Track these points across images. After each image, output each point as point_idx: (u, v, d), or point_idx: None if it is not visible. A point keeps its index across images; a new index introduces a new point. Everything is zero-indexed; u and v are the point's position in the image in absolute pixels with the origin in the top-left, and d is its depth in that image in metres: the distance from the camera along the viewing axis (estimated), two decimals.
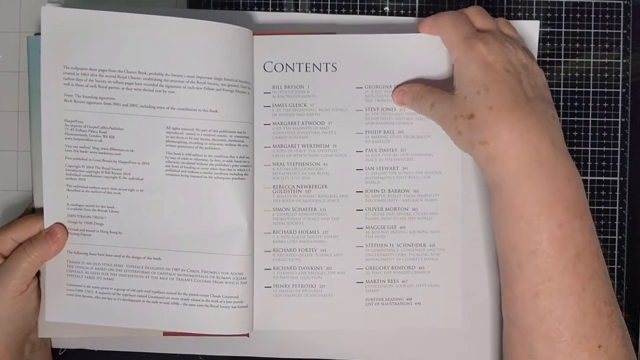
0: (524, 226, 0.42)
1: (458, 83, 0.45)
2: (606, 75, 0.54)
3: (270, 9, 0.54)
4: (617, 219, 0.54)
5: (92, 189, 0.48)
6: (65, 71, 0.47)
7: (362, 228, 0.50)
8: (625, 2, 0.54)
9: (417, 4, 0.54)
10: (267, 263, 0.50)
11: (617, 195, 0.54)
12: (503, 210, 0.43)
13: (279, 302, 0.50)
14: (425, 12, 0.54)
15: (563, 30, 0.54)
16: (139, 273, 0.48)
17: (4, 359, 0.47)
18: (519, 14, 0.54)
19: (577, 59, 0.54)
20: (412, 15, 0.54)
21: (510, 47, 0.44)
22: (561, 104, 0.54)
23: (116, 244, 0.48)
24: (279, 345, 0.51)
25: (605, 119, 0.54)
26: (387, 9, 0.54)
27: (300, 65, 0.49)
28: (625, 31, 0.54)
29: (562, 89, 0.54)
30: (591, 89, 0.54)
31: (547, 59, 0.54)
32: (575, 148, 0.54)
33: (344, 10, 0.54)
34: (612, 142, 0.54)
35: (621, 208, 0.54)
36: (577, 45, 0.54)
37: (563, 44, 0.54)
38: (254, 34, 0.49)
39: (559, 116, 0.53)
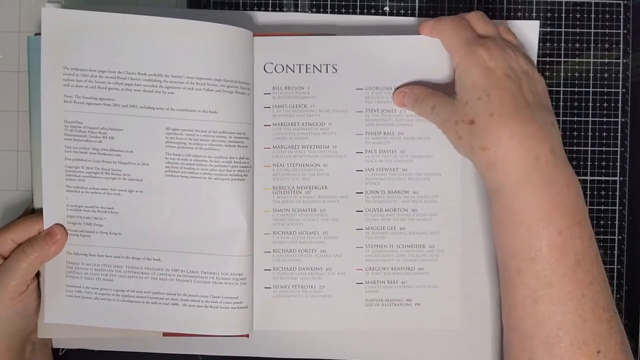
0: (524, 232, 0.42)
1: (459, 88, 0.45)
2: (606, 75, 0.54)
3: (270, 9, 0.54)
4: (617, 219, 0.54)
5: (91, 189, 0.48)
6: (65, 72, 0.47)
7: (362, 229, 0.50)
8: (625, 2, 0.54)
9: (417, 4, 0.54)
10: (267, 264, 0.50)
11: (617, 195, 0.54)
12: (503, 216, 0.43)
13: (278, 302, 0.50)
14: (425, 12, 0.54)
15: (563, 30, 0.54)
16: (138, 274, 0.48)
17: None
18: (519, 14, 0.54)
19: (577, 59, 0.54)
20: (412, 15, 0.54)
21: (511, 53, 0.44)
22: (561, 104, 0.54)
23: (116, 245, 0.48)
24: (278, 345, 0.51)
25: (605, 119, 0.54)
26: (387, 9, 0.54)
27: (301, 66, 0.49)
28: (625, 31, 0.54)
29: (562, 89, 0.54)
30: (591, 89, 0.54)
31: (547, 59, 0.54)
32: (575, 148, 0.54)
33: (343, 10, 0.54)
34: (612, 142, 0.54)
35: (621, 208, 0.54)
36: (577, 45, 0.54)
37: (563, 44, 0.54)
38: (254, 35, 0.49)
39: (559, 116, 0.53)
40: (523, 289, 0.42)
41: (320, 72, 0.49)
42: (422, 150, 0.49)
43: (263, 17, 0.53)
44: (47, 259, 0.47)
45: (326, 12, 0.54)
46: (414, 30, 0.49)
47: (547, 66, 0.54)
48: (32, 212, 0.50)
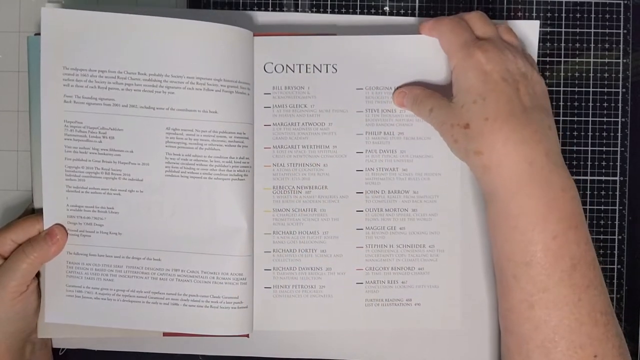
0: (519, 237, 0.42)
1: (456, 91, 0.45)
2: (606, 75, 0.54)
3: (270, 8, 0.54)
4: (617, 219, 0.54)
5: (91, 189, 0.48)
6: (65, 72, 0.47)
7: (362, 229, 0.50)
8: (625, 2, 0.54)
9: (417, 4, 0.54)
10: (267, 264, 0.50)
11: (617, 195, 0.54)
12: (498, 220, 0.43)
13: (279, 302, 0.50)
14: (425, 12, 0.54)
15: (563, 30, 0.54)
16: (138, 274, 0.48)
17: None
18: (519, 14, 0.54)
19: (577, 59, 0.54)
20: (412, 15, 0.54)
21: (510, 55, 0.44)
22: (561, 104, 0.54)
23: (116, 245, 0.48)
24: (278, 345, 0.51)
25: (605, 119, 0.54)
26: (387, 9, 0.54)
27: (301, 66, 0.49)
28: (625, 31, 0.54)
29: (562, 89, 0.54)
30: (591, 89, 0.54)
31: (547, 59, 0.54)
32: (575, 148, 0.54)
33: (344, 10, 0.54)
34: (612, 142, 0.54)
35: (621, 208, 0.54)
36: (577, 45, 0.54)
37: (563, 44, 0.54)
38: (254, 35, 0.49)
39: (559, 116, 0.53)
40: (519, 293, 0.42)
41: (320, 72, 0.49)
42: (422, 150, 0.49)
43: (263, 17, 0.53)
44: (47, 259, 0.47)
45: (326, 12, 0.54)
46: (414, 30, 0.49)
47: (547, 66, 0.54)
48: (32, 212, 0.50)
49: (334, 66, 0.49)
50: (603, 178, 0.54)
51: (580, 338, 0.40)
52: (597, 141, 0.54)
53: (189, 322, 0.48)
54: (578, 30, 0.54)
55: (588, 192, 0.54)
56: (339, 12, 0.54)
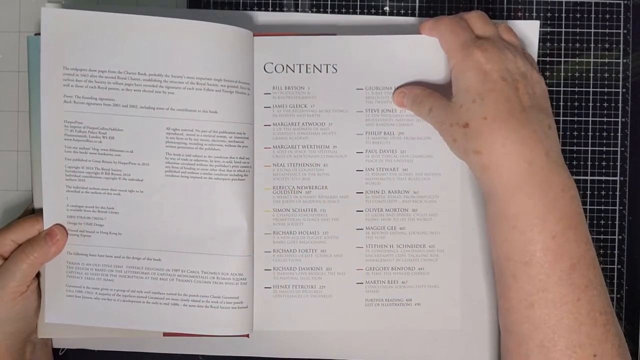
0: (518, 237, 0.42)
1: (455, 90, 0.45)
2: (606, 75, 0.54)
3: (270, 9, 0.54)
4: (617, 219, 0.54)
5: (91, 190, 0.48)
6: (65, 72, 0.47)
7: (362, 229, 0.50)
8: (625, 2, 0.54)
9: (417, 4, 0.54)
10: (267, 264, 0.50)
11: (617, 195, 0.54)
12: (497, 220, 0.43)
13: (279, 302, 0.50)
14: (425, 12, 0.54)
15: (563, 30, 0.54)
16: (138, 274, 0.48)
17: None
18: (519, 14, 0.54)
19: (577, 59, 0.54)
20: (412, 15, 0.54)
21: (509, 54, 0.44)
22: (561, 104, 0.54)
23: (116, 245, 0.48)
24: (279, 345, 0.51)
25: (605, 119, 0.54)
26: (387, 9, 0.54)
27: (301, 66, 0.49)
28: (625, 31, 0.54)
29: (562, 89, 0.54)
30: (591, 89, 0.54)
31: (547, 59, 0.54)
32: (575, 148, 0.54)
33: (344, 10, 0.54)
34: (612, 142, 0.54)
35: (621, 208, 0.54)
36: (577, 45, 0.54)
37: (563, 44, 0.54)
38: (254, 35, 0.49)
39: (559, 116, 0.53)
40: (518, 292, 0.42)
41: (320, 72, 0.49)
42: (422, 150, 0.49)
43: (263, 17, 0.53)
44: (47, 260, 0.47)
45: (326, 12, 0.54)
46: (414, 30, 0.49)
47: (547, 66, 0.54)
48: (32, 212, 0.50)
49: (334, 66, 0.49)
50: (603, 178, 0.54)
51: (580, 337, 0.40)
52: (597, 141, 0.54)
53: (189, 322, 0.48)
54: (578, 30, 0.54)
55: (588, 192, 0.54)
56: (339, 12, 0.54)
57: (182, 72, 0.47)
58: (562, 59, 0.54)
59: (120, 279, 0.48)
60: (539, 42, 0.52)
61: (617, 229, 0.54)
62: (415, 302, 0.50)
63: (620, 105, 0.54)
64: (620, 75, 0.54)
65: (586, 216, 0.53)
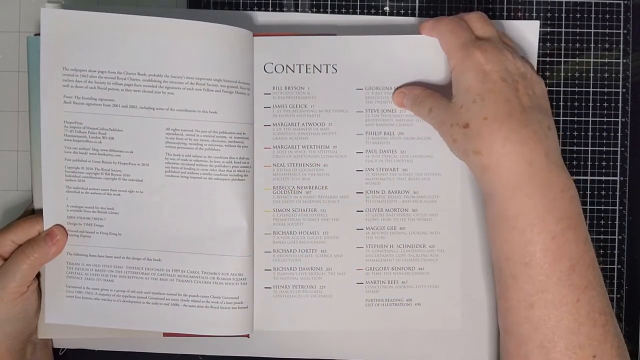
0: (517, 237, 0.42)
1: (455, 91, 0.45)
2: (606, 75, 0.54)
3: (270, 9, 0.54)
4: (617, 219, 0.54)
5: (91, 190, 0.48)
6: (65, 72, 0.47)
7: (362, 229, 0.50)
8: (625, 2, 0.54)
9: (417, 4, 0.54)
10: (267, 264, 0.50)
11: (617, 195, 0.54)
12: (497, 220, 0.43)
13: (279, 302, 0.50)
14: (425, 12, 0.54)
15: (563, 30, 0.54)
16: (139, 274, 0.48)
17: None
18: (519, 14, 0.54)
19: (577, 59, 0.54)
20: (412, 15, 0.54)
21: (509, 55, 0.44)
22: (561, 104, 0.54)
23: (116, 246, 0.48)
24: (279, 345, 0.51)
25: (605, 119, 0.54)
26: (387, 9, 0.54)
27: (301, 66, 0.49)
28: (625, 31, 0.54)
29: (562, 89, 0.54)
30: (591, 89, 0.54)
31: (547, 59, 0.54)
32: (575, 148, 0.54)
33: (344, 10, 0.54)
34: (612, 142, 0.54)
35: (621, 208, 0.54)
36: (577, 45, 0.54)
37: (563, 44, 0.54)
38: (254, 35, 0.49)
39: (559, 116, 0.53)
40: (518, 293, 0.42)
41: (320, 72, 0.49)
42: (422, 150, 0.49)
43: (263, 17, 0.53)
44: (47, 260, 0.47)
45: (326, 12, 0.54)
46: (414, 30, 0.49)
47: (547, 66, 0.54)
48: (32, 212, 0.50)
49: (334, 66, 0.49)
50: (603, 178, 0.54)
51: (579, 338, 0.40)
52: (597, 141, 0.54)
53: (189, 323, 0.48)
54: (578, 30, 0.54)
55: (588, 192, 0.54)
56: (339, 12, 0.54)
57: (182, 73, 0.47)
58: (562, 59, 0.54)
59: (120, 279, 0.48)
60: (539, 42, 0.52)
61: (617, 229, 0.54)
62: (415, 302, 0.50)
63: (620, 105, 0.54)
64: (620, 75, 0.54)
65: (586, 216, 0.53)
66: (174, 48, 0.47)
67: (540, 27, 0.52)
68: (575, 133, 0.54)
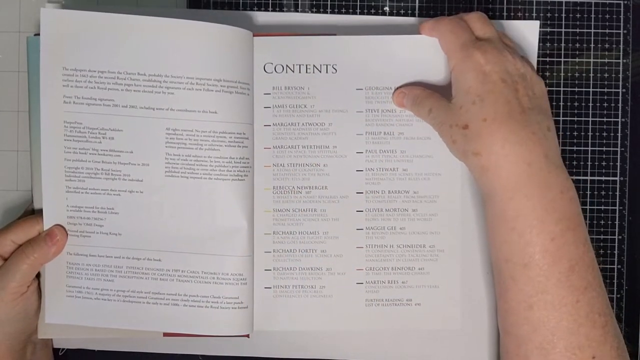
0: (516, 239, 0.42)
1: (455, 91, 0.45)
2: (606, 75, 0.54)
3: (270, 9, 0.54)
4: (617, 219, 0.54)
5: (91, 190, 0.48)
6: (65, 72, 0.47)
7: (362, 229, 0.50)
8: (625, 2, 0.54)
9: (417, 4, 0.54)
10: (267, 264, 0.50)
11: (617, 195, 0.54)
12: (496, 221, 0.43)
13: (279, 302, 0.50)
14: (425, 12, 0.54)
15: (563, 30, 0.54)
16: (139, 274, 0.48)
17: None
18: (519, 14, 0.54)
19: (577, 59, 0.54)
20: (412, 15, 0.54)
21: (509, 55, 0.44)
22: (561, 104, 0.54)
23: (116, 246, 0.48)
24: (279, 345, 0.51)
25: (605, 119, 0.54)
26: (387, 9, 0.54)
27: (301, 66, 0.49)
28: (625, 31, 0.54)
29: (562, 89, 0.54)
30: (591, 89, 0.54)
31: (547, 59, 0.54)
32: (575, 148, 0.54)
33: (344, 11, 0.54)
34: (612, 142, 0.54)
35: (621, 208, 0.54)
36: (577, 45, 0.54)
37: (563, 44, 0.54)
38: (253, 35, 0.49)
39: (559, 116, 0.53)
40: (517, 294, 0.42)
41: (320, 72, 0.49)
42: (422, 150, 0.49)
43: (263, 17, 0.53)
44: (47, 260, 0.47)
45: (326, 12, 0.54)
46: (414, 30, 0.49)
47: (547, 66, 0.54)
48: (32, 212, 0.50)
49: (334, 66, 0.49)
50: (603, 178, 0.54)
51: (579, 339, 0.40)
52: (597, 141, 0.54)
53: (189, 322, 0.48)
54: (578, 30, 0.54)
55: (588, 192, 0.54)
56: (339, 12, 0.54)
57: (182, 73, 0.47)
58: (562, 59, 0.54)
59: (121, 279, 0.48)
60: (539, 42, 0.52)
61: (617, 229, 0.54)
62: (415, 302, 0.50)
63: (620, 105, 0.54)
64: (620, 75, 0.54)
65: (586, 216, 0.53)
66: (174, 48, 0.47)
67: (540, 27, 0.52)
68: (575, 133, 0.54)
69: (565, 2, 0.54)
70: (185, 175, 0.48)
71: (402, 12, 0.54)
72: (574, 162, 0.54)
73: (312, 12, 0.54)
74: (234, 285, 0.48)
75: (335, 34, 0.50)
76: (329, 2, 0.54)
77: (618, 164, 0.54)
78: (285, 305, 0.50)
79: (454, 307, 0.50)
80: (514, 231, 0.42)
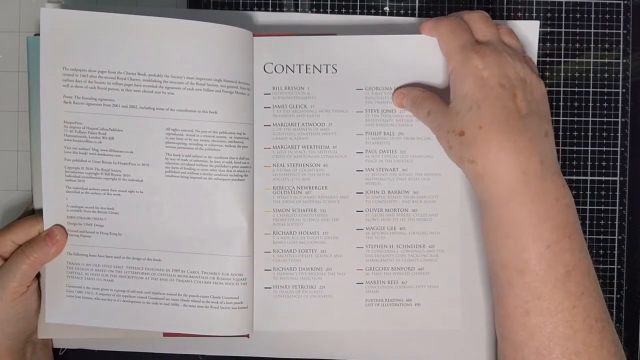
0: (512, 245, 0.42)
1: (453, 96, 0.45)
2: (606, 75, 0.54)
3: (270, 9, 0.54)
4: (617, 219, 0.54)
5: (91, 190, 0.48)
6: (65, 72, 0.47)
7: (362, 229, 0.50)
8: (625, 2, 0.54)
9: (417, 4, 0.54)
10: (267, 264, 0.50)
11: (617, 195, 0.54)
12: (492, 227, 0.43)
13: (279, 303, 0.50)
14: (425, 12, 0.54)
15: (563, 30, 0.54)
16: (139, 274, 0.48)
17: None
18: (519, 14, 0.54)
19: (577, 59, 0.54)
20: (412, 15, 0.54)
21: (509, 59, 0.43)
22: (561, 104, 0.54)
23: (116, 246, 0.48)
24: (278, 345, 0.51)
25: (605, 119, 0.54)
26: (387, 9, 0.54)
27: (301, 66, 0.49)
28: (625, 31, 0.54)
29: (562, 89, 0.54)
30: (591, 89, 0.54)
31: (547, 59, 0.54)
32: (575, 148, 0.54)
33: (344, 11, 0.54)
34: (612, 142, 0.54)
35: (621, 208, 0.54)
36: (577, 45, 0.54)
37: (563, 44, 0.54)
38: (253, 35, 0.49)
39: (559, 116, 0.53)
40: (514, 299, 0.42)
41: (320, 72, 0.49)
42: (422, 150, 0.49)
43: (263, 17, 0.53)
44: (47, 260, 0.47)
45: (326, 12, 0.54)
46: (414, 30, 0.49)
47: (547, 66, 0.54)
48: (32, 212, 0.50)
49: (334, 66, 0.49)
50: (603, 178, 0.54)
51: (575, 345, 0.40)
52: (597, 141, 0.54)
53: (189, 322, 0.48)
54: (578, 30, 0.54)
55: (588, 192, 0.54)
56: (339, 12, 0.54)
57: (182, 73, 0.47)
58: (562, 59, 0.54)
59: (121, 279, 0.48)
60: (539, 42, 0.52)
61: (617, 229, 0.54)
62: (415, 302, 0.50)
63: (620, 105, 0.54)
64: (620, 75, 0.54)
65: (586, 216, 0.53)
66: (174, 48, 0.47)
67: (540, 27, 0.52)
68: (575, 133, 0.54)
69: (565, 2, 0.54)
70: (185, 176, 0.48)
71: (402, 12, 0.54)
72: (574, 162, 0.54)
73: (312, 12, 0.54)
74: (233, 285, 0.48)
75: (335, 34, 0.50)
76: (329, 2, 0.54)
77: (618, 164, 0.54)
78: (285, 305, 0.50)
79: (453, 307, 0.50)
80: (509, 238, 0.42)
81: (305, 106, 0.49)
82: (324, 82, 0.49)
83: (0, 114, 0.54)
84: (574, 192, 0.53)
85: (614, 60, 0.54)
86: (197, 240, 0.48)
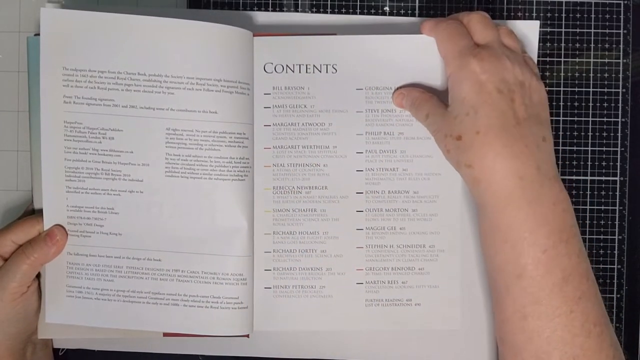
0: (509, 250, 0.42)
1: (451, 100, 0.44)
2: (606, 75, 0.54)
3: (270, 9, 0.54)
4: (617, 219, 0.54)
5: (91, 190, 0.48)
6: (65, 72, 0.47)
7: (362, 229, 0.50)
8: (625, 2, 0.54)
9: (417, 4, 0.54)
10: (267, 264, 0.50)
11: (617, 195, 0.54)
12: (489, 232, 0.43)
13: (279, 303, 0.50)
14: (425, 12, 0.54)
15: (563, 30, 0.54)
16: (139, 274, 0.48)
17: None
18: (519, 14, 0.54)
19: (577, 59, 0.54)
20: (412, 15, 0.54)
21: (508, 62, 0.43)
22: (561, 104, 0.54)
23: (116, 246, 0.48)
24: (278, 345, 0.51)
25: (605, 119, 0.54)
26: (387, 9, 0.54)
27: (301, 66, 0.49)
28: (625, 31, 0.54)
29: (562, 89, 0.54)
30: (591, 89, 0.54)
31: (547, 59, 0.54)
32: (575, 148, 0.54)
33: (343, 11, 0.54)
34: (612, 142, 0.54)
35: (621, 208, 0.54)
36: (577, 45, 0.54)
37: (563, 44, 0.54)
38: (254, 35, 0.49)
39: (559, 116, 0.53)
40: (512, 304, 0.42)
41: (320, 72, 0.49)
42: (422, 150, 0.49)
43: (263, 17, 0.53)
44: (48, 260, 0.47)
45: (326, 12, 0.54)
46: (414, 30, 0.49)
47: (547, 66, 0.54)
48: (32, 212, 0.50)
49: (334, 66, 0.49)
50: (603, 178, 0.54)
51: (574, 349, 0.40)
52: (597, 141, 0.54)
53: (189, 322, 0.48)
54: (578, 30, 0.54)
55: (588, 192, 0.54)
56: (339, 12, 0.54)
57: (182, 73, 0.47)
58: (562, 59, 0.54)
59: (121, 279, 0.48)
60: (539, 42, 0.52)
61: (617, 229, 0.54)
62: (415, 302, 0.50)
63: (620, 105, 0.54)
64: (620, 75, 0.54)
65: (586, 216, 0.53)
66: (174, 48, 0.47)
67: (540, 27, 0.52)
68: (575, 133, 0.54)
69: (565, 2, 0.54)
70: (186, 176, 0.48)
71: (402, 12, 0.54)
72: (574, 162, 0.54)
73: (312, 12, 0.54)
74: (233, 286, 0.48)
75: (335, 34, 0.50)
76: (329, 2, 0.54)
77: (618, 164, 0.54)
78: (285, 305, 0.50)
79: (453, 307, 0.50)
80: (506, 243, 0.42)
81: (305, 106, 0.49)
82: (324, 82, 0.49)
83: (0, 114, 0.54)
84: (574, 192, 0.53)
85: (614, 60, 0.54)
86: (197, 240, 0.48)
